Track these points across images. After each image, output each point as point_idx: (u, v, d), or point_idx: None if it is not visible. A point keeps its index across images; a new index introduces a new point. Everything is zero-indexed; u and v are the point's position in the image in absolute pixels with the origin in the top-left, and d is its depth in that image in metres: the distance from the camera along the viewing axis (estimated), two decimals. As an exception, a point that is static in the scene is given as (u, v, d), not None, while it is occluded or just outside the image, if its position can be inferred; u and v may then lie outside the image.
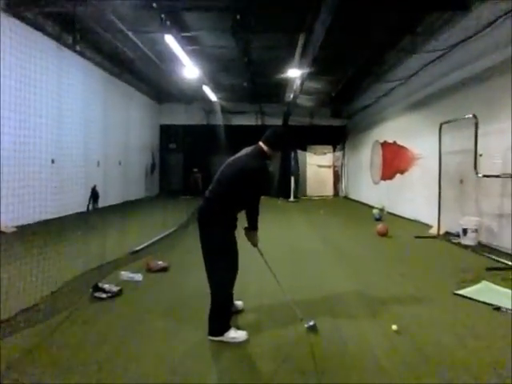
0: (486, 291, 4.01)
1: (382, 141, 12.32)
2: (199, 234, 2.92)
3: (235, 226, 2.99)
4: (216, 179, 2.98)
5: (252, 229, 3.09)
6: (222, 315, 2.91)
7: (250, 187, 2.91)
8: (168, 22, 7.66)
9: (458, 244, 6.48)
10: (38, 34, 8.03)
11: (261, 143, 3.02)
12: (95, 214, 9.62)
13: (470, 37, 6.63)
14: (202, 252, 2.92)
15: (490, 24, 6.10)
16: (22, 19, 7.54)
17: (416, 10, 7.18)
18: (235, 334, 2.86)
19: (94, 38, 9.38)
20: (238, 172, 2.90)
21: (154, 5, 6.97)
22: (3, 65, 6.75)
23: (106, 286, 3.84)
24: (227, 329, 2.87)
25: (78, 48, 9.62)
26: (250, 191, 2.93)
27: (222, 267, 2.88)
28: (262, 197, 3.10)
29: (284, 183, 16.13)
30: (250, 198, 2.96)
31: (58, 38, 8.83)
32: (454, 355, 2.68)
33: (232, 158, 3.06)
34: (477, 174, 6.10)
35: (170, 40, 8.10)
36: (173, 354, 2.68)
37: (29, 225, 7.29)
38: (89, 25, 8.46)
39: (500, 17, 5.84)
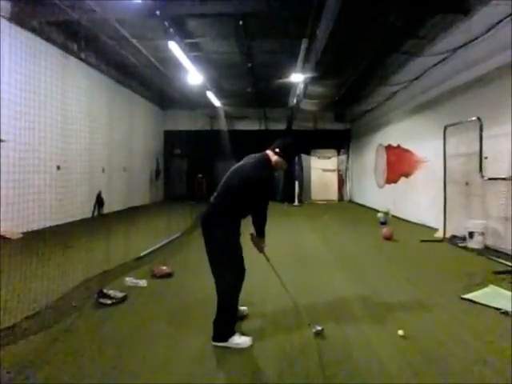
0: (494, 295, 3.97)
1: (386, 144, 12.29)
2: (204, 240, 2.92)
3: (239, 232, 2.99)
4: (221, 186, 2.98)
5: (259, 235, 3.08)
6: (226, 320, 2.90)
7: (256, 196, 2.90)
8: (171, 29, 7.73)
9: (465, 247, 6.42)
10: (43, 42, 8.13)
11: (269, 152, 3.01)
12: (100, 220, 9.66)
13: (473, 39, 6.62)
14: (208, 258, 2.92)
15: (492, 26, 6.09)
16: (27, 28, 7.63)
17: (418, 13, 7.19)
18: (239, 340, 2.85)
19: (99, 45, 9.48)
20: (243, 180, 2.88)
21: (158, 12, 7.04)
22: (9, 73, 6.83)
23: (111, 292, 3.85)
24: (231, 334, 2.86)
25: (82, 55, 9.74)
26: (256, 200, 2.92)
27: (226, 273, 2.87)
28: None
29: (289, 188, 16.11)
30: (256, 206, 2.96)
31: (63, 46, 8.93)
32: (461, 360, 2.65)
33: (237, 164, 3.05)
34: (482, 176, 6.06)
35: (173, 46, 8.17)
36: (177, 359, 2.67)
37: (34, 231, 7.33)
38: (93, 32, 8.56)
39: (503, 19, 5.83)
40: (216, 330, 2.88)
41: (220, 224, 2.87)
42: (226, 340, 2.84)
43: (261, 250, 3.16)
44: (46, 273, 4.07)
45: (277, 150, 2.98)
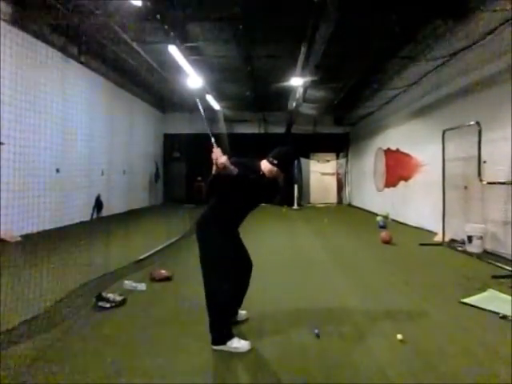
0: (493, 299, 3.97)
1: (385, 148, 12.31)
2: (197, 239, 3.01)
3: (231, 236, 3.03)
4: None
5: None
6: (220, 324, 2.90)
7: (243, 195, 2.95)
8: (171, 33, 7.75)
9: (464, 251, 6.42)
10: (43, 46, 8.14)
11: (265, 161, 3.01)
12: (99, 223, 9.64)
13: (472, 44, 6.65)
14: (200, 262, 2.99)
15: (491, 31, 6.12)
16: (28, 31, 7.65)
17: (416, 18, 7.21)
18: (238, 344, 2.84)
19: (99, 48, 9.50)
20: (232, 181, 2.94)
21: (158, 16, 7.07)
22: (9, 76, 6.85)
23: (110, 296, 3.83)
24: (230, 337, 2.86)
25: (82, 59, 9.76)
26: (242, 200, 2.98)
27: (212, 277, 2.91)
28: (267, 204, 3.13)
29: (288, 191, 16.09)
30: (244, 208, 3.04)
31: (63, 49, 8.95)
32: (460, 365, 2.65)
33: None
34: (481, 181, 6.07)
35: (173, 50, 8.19)
36: (177, 363, 2.66)
37: (33, 234, 7.31)
38: (94, 36, 8.58)
39: (502, 24, 5.86)
40: (213, 334, 2.88)
41: (210, 227, 2.96)
42: (224, 343, 2.83)
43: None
44: (45, 276, 4.06)
45: (272, 159, 2.99)
